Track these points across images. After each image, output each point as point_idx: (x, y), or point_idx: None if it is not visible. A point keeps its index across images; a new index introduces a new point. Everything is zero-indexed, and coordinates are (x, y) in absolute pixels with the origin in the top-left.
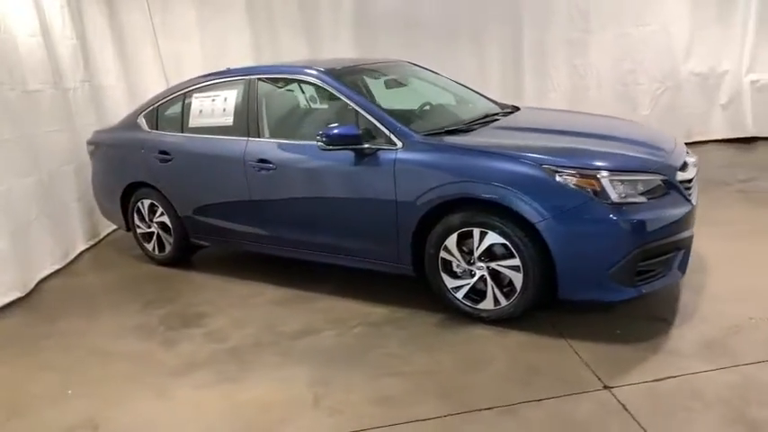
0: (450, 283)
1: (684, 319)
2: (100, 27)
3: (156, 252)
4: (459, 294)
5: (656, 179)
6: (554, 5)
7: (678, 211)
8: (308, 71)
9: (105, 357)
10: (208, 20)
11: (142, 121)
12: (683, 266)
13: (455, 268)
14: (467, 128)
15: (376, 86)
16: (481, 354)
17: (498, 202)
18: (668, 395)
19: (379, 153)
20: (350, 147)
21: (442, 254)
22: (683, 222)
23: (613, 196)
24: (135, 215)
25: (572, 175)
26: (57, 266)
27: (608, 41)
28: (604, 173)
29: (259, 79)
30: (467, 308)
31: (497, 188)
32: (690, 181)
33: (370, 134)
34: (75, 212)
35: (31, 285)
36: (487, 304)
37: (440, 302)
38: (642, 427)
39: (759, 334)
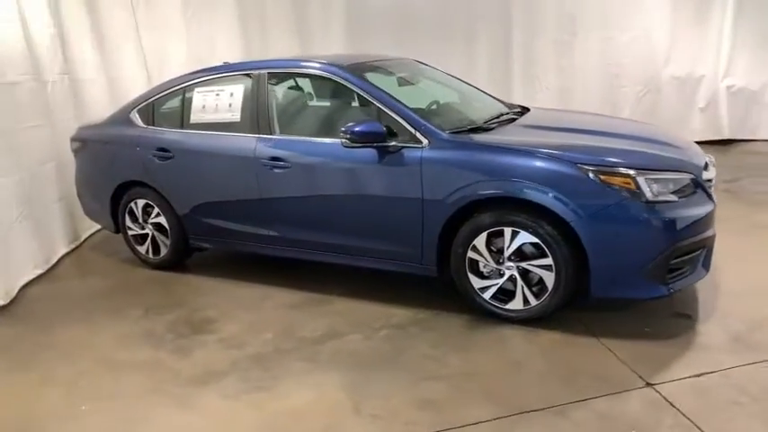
0: (477, 283)
1: (708, 316)
2: (77, 15)
3: (151, 255)
4: (487, 295)
5: (686, 178)
6: (543, 9)
7: (704, 210)
8: (325, 67)
9: (114, 368)
10: (194, 14)
11: (136, 116)
12: (706, 264)
13: (482, 268)
14: (487, 127)
15: (389, 84)
16: (517, 354)
17: (533, 201)
18: (712, 390)
19: (404, 151)
20: (374, 144)
21: (470, 253)
22: (708, 221)
23: (648, 195)
24: (126, 216)
25: (608, 173)
26: (39, 271)
27: (593, 45)
28: (640, 171)
29: (269, 74)
30: (494, 308)
31: (532, 187)
32: (710, 180)
33: (392, 132)
34: (56, 214)
35: (14, 293)
36: (516, 304)
37: (462, 302)
38: (695, 424)
39: None
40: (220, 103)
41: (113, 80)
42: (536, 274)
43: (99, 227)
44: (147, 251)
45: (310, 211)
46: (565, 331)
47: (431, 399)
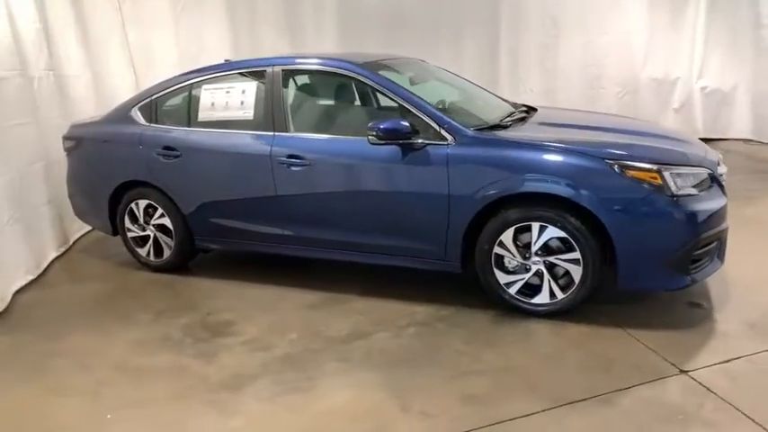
0: (502, 278)
1: (721, 305)
2: (61, 9)
3: (152, 257)
4: (512, 290)
5: (704, 172)
6: (528, 11)
7: (720, 203)
8: (345, 64)
9: (135, 375)
10: (182, 10)
11: (137, 113)
12: (721, 256)
13: (507, 263)
14: (504, 124)
15: (403, 82)
16: (548, 347)
17: (563, 196)
18: (743, 375)
19: (428, 148)
20: (400, 141)
21: (497, 249)
22: (723, 214)
23: (673, 189)
24: (126, 217)
25: (634, 168)
26: (30, 277)
27: (576, 48)
28: (664, 166)
29: (284, 71)
30: (520, 303)
31: (562, 183)
32: (722, 175)
33: (414, 129)
34: (45, 216)
35: (8, 299)
36: (543, 298)
37: (483, 298)
38: (735, 407)
39: None
40: (231, 100)
41: (99, 77)
42: (561, 267)
43: (88, 229)
44: (149, 253)
45: (329, 208)
46: (590, 323)
47: (474, 394)
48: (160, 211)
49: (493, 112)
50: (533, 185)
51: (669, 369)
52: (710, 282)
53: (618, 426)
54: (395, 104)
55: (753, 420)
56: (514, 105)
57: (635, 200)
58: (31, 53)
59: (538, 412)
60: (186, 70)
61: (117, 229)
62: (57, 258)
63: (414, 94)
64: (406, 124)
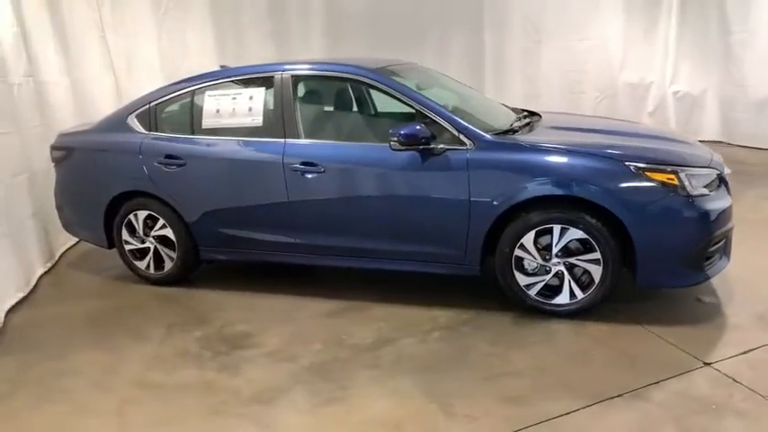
0: (522, 280)
1: (728, 299)
2: (37, 12)
3: (152, 270)
4: (532, 291)
5: (714, 173)
6: (511, 17)
7: (728, 203)
8: (359, 70)
9: (159, 392)
10: (165, 14)
11: (134, 121)
12: (728, 253)
13: (527, 266)
14: (515, 129)
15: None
16: (573, 346)
17: (585, 198)
18: (765, 364)
19: (448, 153)
20: (420, 147)
21: (517, 252)
22: (731, 212)
23: (689, 189)
24: (124, 229)
25: (653, 170)
26: (21, 294)
27: (556, 53)
28: (681, 168)
29: (293, 77)
30: (540, 304)
31: (584, 185)
32: (727, 176)
33: (432, 134)
34: (31, 230)
35: (2, 319)
36: (563, 299)
37: (500, 300)
38: (761, 395)
39: None
40: (238, 106)
41: (79, 82)
42: (581, 268)
43: (73, 243)
44: (148, 266)
45: (345, 216)
46: (609, 321)
47: (512, 395)
48: (161, 221)
49: (498, 116)
50: (557, 189)
51: (693, 362)
52: (715, 278)
53: (657, 420)
54: (410, 110)
55: None
56: (515, 110)
57: (654, 201)
58: (11, 58)
59: (578, 410)
60: (172, 76)
61: (113, 241)
62: (44, 274)
63: (430, 100)
64: (424, 130)
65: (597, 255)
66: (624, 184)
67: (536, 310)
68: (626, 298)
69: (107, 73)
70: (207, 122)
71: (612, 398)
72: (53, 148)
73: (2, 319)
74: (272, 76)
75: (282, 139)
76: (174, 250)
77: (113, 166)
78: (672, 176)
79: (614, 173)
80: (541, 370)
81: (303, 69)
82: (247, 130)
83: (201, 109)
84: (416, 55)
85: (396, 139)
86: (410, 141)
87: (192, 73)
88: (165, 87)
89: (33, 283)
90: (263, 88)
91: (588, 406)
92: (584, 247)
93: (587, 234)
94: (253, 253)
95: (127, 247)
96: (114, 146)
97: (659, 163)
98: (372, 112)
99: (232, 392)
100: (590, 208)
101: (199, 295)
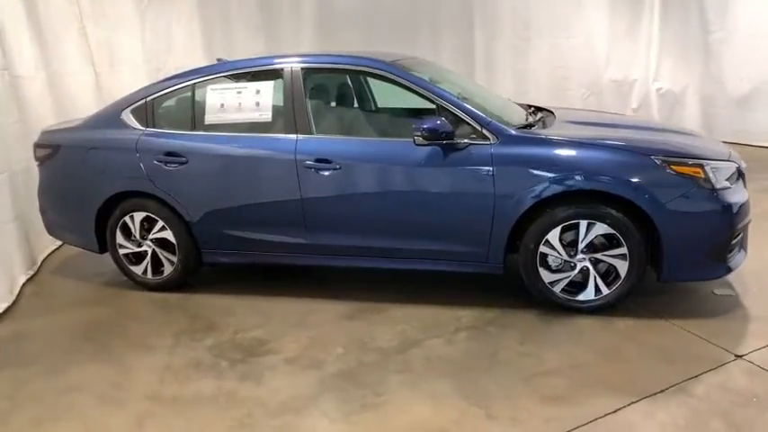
0: (547, 277)
1: (744, 291)
2: (11, 2)
3: (150, 275)
4: (557, 288)
5: (734, 167)
6: (500, 14)
7: (746, 195)
8: (377, 63)
9: (176, 405)
10: (148, 5)
11: (129, 117)
12: (745, 246)
13: (551, 262)
14: (532, 124)
15: None
16: (604, 343)
17: (613, 193)
18: None
19: (471, 148)
20: (443, 142)
21: (542, 248)
22: (749, 206)
23: (714, 182)
24: (118, 232)
25: (679, 164)
26: (5, 305)
27: (544, 50)
28: (706, 161)
29: (304, 69)
30: (565, 301)
31: (611, 179)
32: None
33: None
34: (12, 235)
35: None
36: (588, 294)
37: (523, 298)
38: None
39: None
40: (245, 101)
41: (57, 76)
42: (605, 263)
43: (54, 247)
44: (145, 271)
45: (363, 214)
46: (634, 316)
47: (553, 395)
48: (160, 223)
49: (510, 111)
50: (584, 183)
51: (725, 355)
52: None
53: (705, 414)
54: (419, 104)
55: None
56: (522, 106)
57: (682, 194)
58: None
59: (624, 407)
60: (156, 71)
61: (104, 245)
62: (27, 282)
63: (452, 94)
64: (447, 124)
65: (624, 250)
66: (651, 178)
67: (561, 306)
68: (642, 292)
69: (87, 67)
70: (210, 118)
71: (655, 394)
72: (37, 145)
73: None
74: (281, 69)
75: (294, 135)
76: (173, 253)
77: (106, 164)
78: (697, 170)
79: (641, 166)
80: (576, 368)
81: (315, 62)
82: (255, 126)
83: (204, 104)
84: (408, 51)
85: (419, 133)
86: (432, 136)
87: (178, 68)
88: (163, 81)
89: (16, 292)
90: (272, 81)
91: (632, 403)
92: (610, 241)
93: (614, 229)
94: (260, 255)
95: (121, 252)
96: (107, 143)
97: (685, 156)
98: (391, 106)
99: (259, 403)
100: (615, 202)
101: (203, 301)
